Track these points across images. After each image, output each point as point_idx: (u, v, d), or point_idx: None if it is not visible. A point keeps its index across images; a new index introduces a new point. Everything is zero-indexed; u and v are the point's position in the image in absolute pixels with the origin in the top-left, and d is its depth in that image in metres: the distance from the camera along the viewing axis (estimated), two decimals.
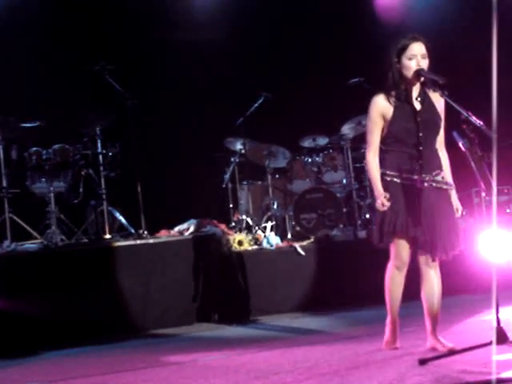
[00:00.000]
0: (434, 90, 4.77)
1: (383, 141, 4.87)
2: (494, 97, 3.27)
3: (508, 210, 8.87)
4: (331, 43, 10.06)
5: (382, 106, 4.81)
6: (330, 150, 9.27)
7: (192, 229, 8.11)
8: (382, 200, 4.72)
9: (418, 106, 4.80)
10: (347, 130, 9.15)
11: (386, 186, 4.83)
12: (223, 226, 8.32)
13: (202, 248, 7.68)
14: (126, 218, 8.41)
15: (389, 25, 10.25)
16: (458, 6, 10.09)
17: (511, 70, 9.80)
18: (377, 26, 10.36)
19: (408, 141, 4.73)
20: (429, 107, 4.82)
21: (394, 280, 4.95)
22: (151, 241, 7.72)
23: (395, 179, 4.78)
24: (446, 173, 4.90)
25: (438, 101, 4.84)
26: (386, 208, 4.72)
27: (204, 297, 7.58)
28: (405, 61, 4.76)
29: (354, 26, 10.19)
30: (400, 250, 4.84)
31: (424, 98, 4.83)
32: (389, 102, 4.80)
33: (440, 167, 4.84)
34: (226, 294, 7.63)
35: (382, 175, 4.83)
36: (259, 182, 9.29)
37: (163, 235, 8.20)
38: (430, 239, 4.76)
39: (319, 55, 10.04)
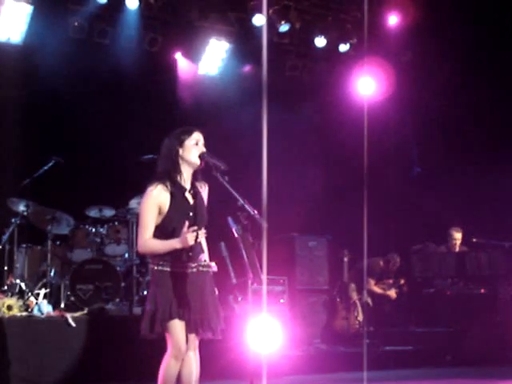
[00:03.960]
0: (214, 175, 4.82)
1: (154, 233, 4.80)
2: (264, 186, 3.39)
3: (282, 300, 9.12)
4: (129, 117, 10.15)
5: (159, 199, 4.77)
6: (116, 223, 9.22)
7: None
8: (186, 235, 4.59)
9: (190, 199, 4.87)
10: (135, 204, 9.15)
11: (156, 275, 4.81)
12: None
13: None
14: None
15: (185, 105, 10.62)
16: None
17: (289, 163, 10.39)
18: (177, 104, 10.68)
19: (178, 234, 4.69)
20: (199, 200, 4.91)
21: (170, 371, 4.82)
22: None
23: (165, 268, 4.77)
24: (206, 254, 4.99)
25: (203, 190, 4.98)
26: (198, 235, 4.61)
27: None
28: (189, 145, 4.85)
29: (158, 103, 10.38)
30: (177, 337, 4.77)
31: (195, 191, 4.91)
32: (166, 192, 4.78)
33: (202, 250, 4.93)
34: None
35: (152, 264, 4.83)
36: (38, 247, 9.01)
37: None
38: (197, 319, 4.79)
39: (114, 127, 10.02)
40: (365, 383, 5.85)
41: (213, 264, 4.94)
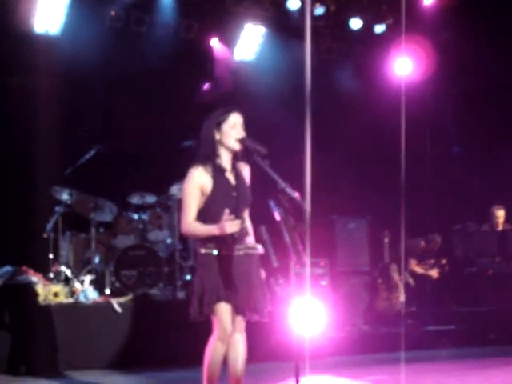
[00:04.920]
0: (255, 159, 4.82)
1: (198, 215, 4.84)
2: (307, 170, 3.41)
3: (323, 283, 9.14)
4: (167, 104, 10.22)
5: (201, 180, 4.80)
6: (158, 209, 9.31)
7: (6, 276, 7.86)
8: (225, 223, 4.58)
9: (233, 180, 4.90)
10: (176, 190, 9.23)
11: (202, 258, 4.84)
12: (40, 276, 8.11)
13: (14, 296, 7.46)
14: None
15: (222, 89, 10.65)
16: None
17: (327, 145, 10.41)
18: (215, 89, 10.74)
19: (223, 216, 4.68)
20: (241, 180, 4.93)
21: (216, 353, 4.85)
22: None
23: (211, 251, 4.81)
24: (252, 237, 5.03)
25: (244, 170, 4.99)
26: (237, 226, 4.63)
27: (13, 347, 7.32)
28: (227, 129, 4.84)
29: (190, 89, 10.44)
30: (224, 320, 4.81)
31: (237, 171, 4.94)
32: (207, 175, 4.81)
33: (248, 233, 4.96)
34: (35, 345, 7.40)
35: (198, 247, 4.87)
36: (82, 235, 9.14)
37: None
38: (244, 302, 4.82)
39: (153, 115, 10.11)
40: (403, 363, 5.90)
41: (259, 246, 4.99)
